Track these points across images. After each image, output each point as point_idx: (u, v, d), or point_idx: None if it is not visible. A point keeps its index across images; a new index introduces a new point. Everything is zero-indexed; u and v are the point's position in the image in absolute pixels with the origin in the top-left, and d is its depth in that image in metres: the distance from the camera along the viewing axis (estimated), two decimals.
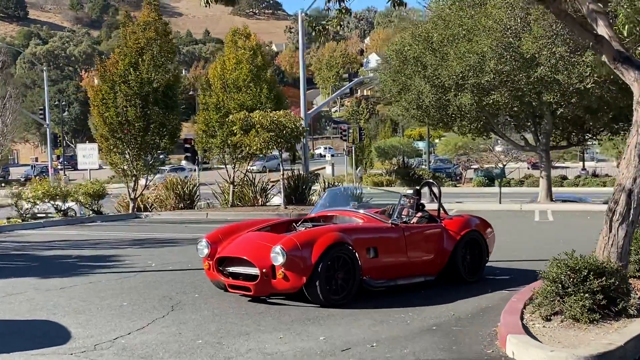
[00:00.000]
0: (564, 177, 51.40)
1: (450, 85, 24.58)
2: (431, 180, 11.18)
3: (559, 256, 7.67)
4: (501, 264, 12.01)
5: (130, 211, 26.03)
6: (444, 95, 25.11)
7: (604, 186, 48.16)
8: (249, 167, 28.68)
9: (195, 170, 32.93)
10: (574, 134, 28.77)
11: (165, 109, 25.71)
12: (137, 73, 25.10)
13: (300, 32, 31.68)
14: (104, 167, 40.98)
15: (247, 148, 24.04)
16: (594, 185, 47.98)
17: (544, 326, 7.17)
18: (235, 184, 27.60)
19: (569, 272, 7.39)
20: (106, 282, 11.05)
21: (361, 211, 10.45)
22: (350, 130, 48.17)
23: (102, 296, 9.88)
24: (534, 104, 24.56)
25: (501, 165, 54.30)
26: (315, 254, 8.81)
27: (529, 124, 27.50)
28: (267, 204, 27.61)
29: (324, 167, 58.06)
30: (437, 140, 73.95)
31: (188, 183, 27.85)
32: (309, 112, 32.98)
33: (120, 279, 11.31)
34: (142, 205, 26.84)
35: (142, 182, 27.09)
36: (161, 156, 26.52)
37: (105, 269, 12.52)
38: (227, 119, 25.26)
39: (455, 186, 51.50)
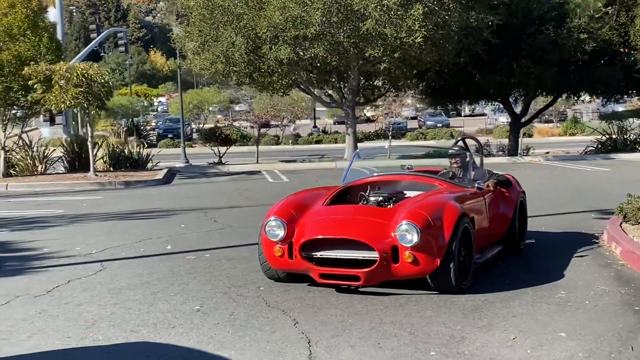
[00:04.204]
0: (298, 135, 51.94)
1: (266, 37, 22.95)
2: (468, 134, 9.86)
3: None
4: None
5: None
6: (259, 49, 23.41)
7: (336, 143, 49.46)
8: None
9: None
10: (366, 91, 28.71)
11: None
12: None
13: None
14: None
15: (54, 106, 20.45)
16: (327, 142, 49.06)
17: None
18: (6, 149, 23.51)
19: None
20: (87, 282, 8.18)
21: (437, 176, 8.85)
22: None
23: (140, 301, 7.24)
24: (347, 56, 23.84)
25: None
26: (447, 230, 7.12)
27: (334, 79, 26.83)
28: (47, 171, 23.97)
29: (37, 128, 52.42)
30: (162, 99, 71.04)
31: None
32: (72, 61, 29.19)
33: (90, 277, 8.43)
34: None
35: None
36: None
37: (31, 261, 9.34)
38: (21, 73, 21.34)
39: (192, 146, 49.60)
